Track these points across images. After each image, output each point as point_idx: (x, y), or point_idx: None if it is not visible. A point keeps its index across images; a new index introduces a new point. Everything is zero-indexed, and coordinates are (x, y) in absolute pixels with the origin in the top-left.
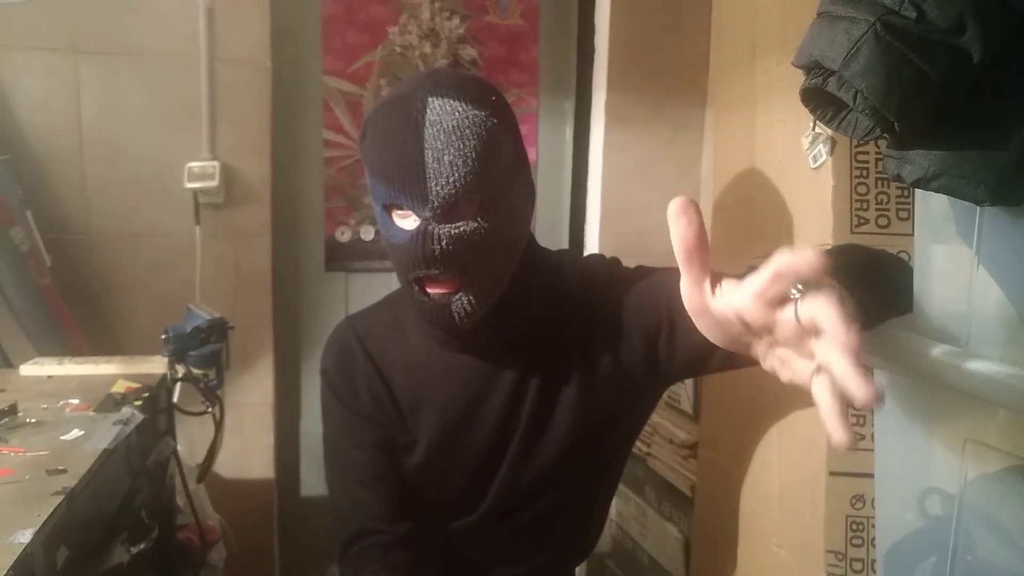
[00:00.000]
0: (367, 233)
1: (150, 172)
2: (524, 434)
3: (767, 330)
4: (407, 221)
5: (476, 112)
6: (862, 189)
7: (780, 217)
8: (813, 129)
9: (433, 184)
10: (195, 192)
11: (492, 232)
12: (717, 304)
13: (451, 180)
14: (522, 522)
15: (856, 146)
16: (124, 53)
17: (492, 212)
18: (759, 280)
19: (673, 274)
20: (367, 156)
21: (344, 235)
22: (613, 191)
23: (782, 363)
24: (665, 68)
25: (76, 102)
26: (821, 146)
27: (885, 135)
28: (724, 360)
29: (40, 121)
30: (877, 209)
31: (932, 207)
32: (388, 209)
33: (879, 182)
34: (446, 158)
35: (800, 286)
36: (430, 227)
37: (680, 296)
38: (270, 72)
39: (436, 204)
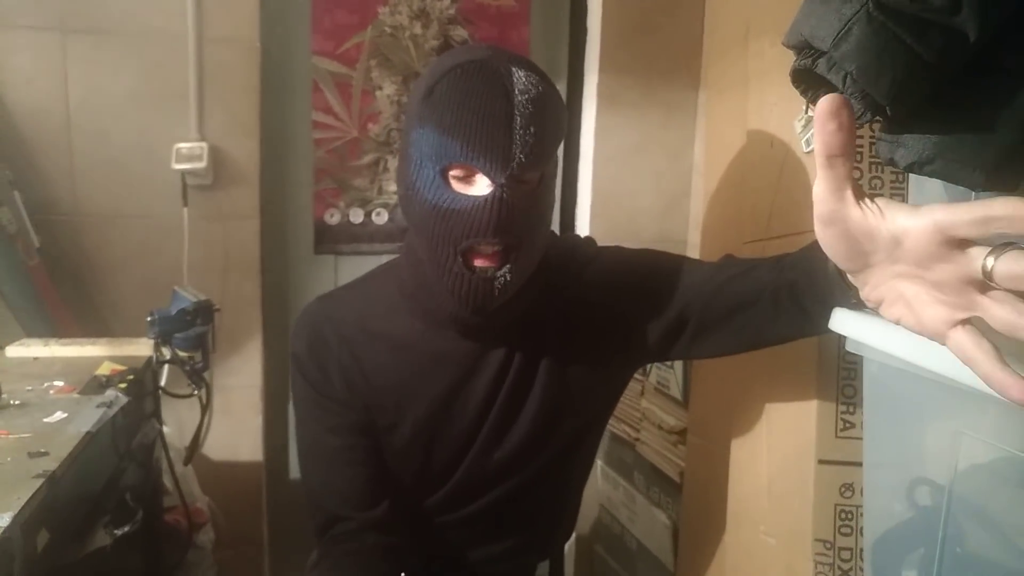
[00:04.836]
0: (356, 216)
1: (138, 153)
2: (500, 412)
3: (920, 263)
4: (473, 187)
5: (553, 90)
6: (855, 174)
7: (772, 201)
8: (806, 112)
9: (518, 151)
10: (183, 173)
11: (542, 211)
12: (864, 217)
13: (534, 150)
14: (494, 501)
15: (870, 124)
16: (111, 32)
17: (545, 190)
18: (956, 214)
19: (683, 266)
20: (435, 113)
21: (333, 217)
22: (605, 174)
23: (901, 301)
24: (658, 50)
25: (63, 82)
26: (814, 129)
27: (878, 118)
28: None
29: (27, 101)
30: (871, 194)
31: (926, 192)
32: (447, 171)
33: (873, 166)
34: (532, 127)
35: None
36: (504, 194)
37: (707, 295)
38: (259, 52)
39: (515, 171)
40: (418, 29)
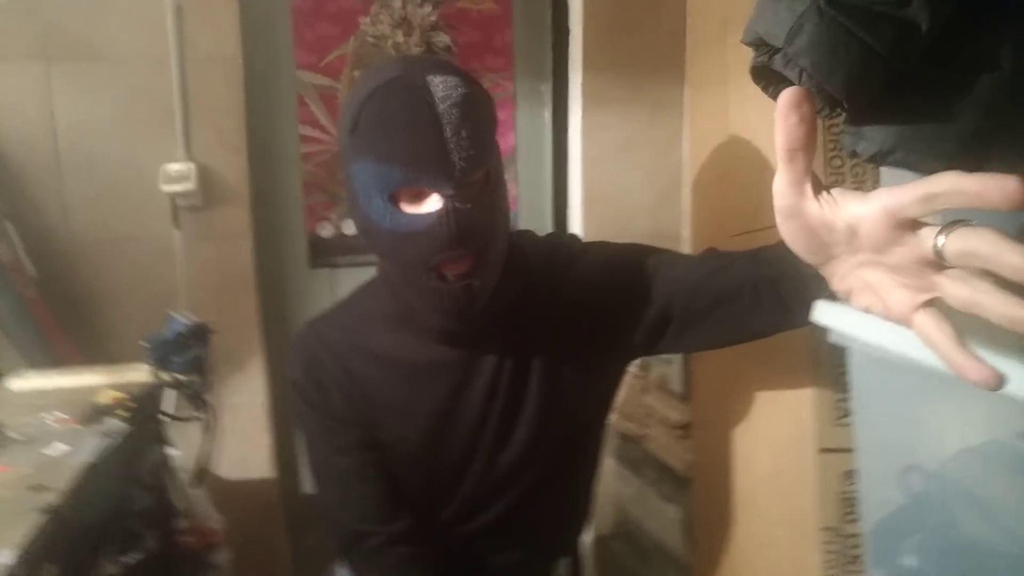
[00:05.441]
0: (349, 227)
1: (127, 177)
2: (499, 417)
3: (877, 249)
4: (423, 205)
5: (474, 86)
6: (836, 162)
7: (758, 194)
8: None
9: (456, 158)
10: (173, 195)
11: (497, 206)
12: (820, 210)
13: (471, 153)
14: (506, 507)
15: (829, 118)
16: (94, 58)
17: (494, 186)
18: (901, 196)
19: (665, 261)
20: (367, 145)
21: (326, 230)
22: (594, 173)
23: (868, 289)
24: (642, 47)
25: (49, 110)
26: (776, 123)
27: (838, 110)
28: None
29: (14, 131)
30: (853, 182)
31: (897, 181)
32: (395, 197)
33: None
34: (463, 131)
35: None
36: (456, 204)
37: (689, 290)
38: (242, 69)
39: (460, 179)
40: (400, 37)
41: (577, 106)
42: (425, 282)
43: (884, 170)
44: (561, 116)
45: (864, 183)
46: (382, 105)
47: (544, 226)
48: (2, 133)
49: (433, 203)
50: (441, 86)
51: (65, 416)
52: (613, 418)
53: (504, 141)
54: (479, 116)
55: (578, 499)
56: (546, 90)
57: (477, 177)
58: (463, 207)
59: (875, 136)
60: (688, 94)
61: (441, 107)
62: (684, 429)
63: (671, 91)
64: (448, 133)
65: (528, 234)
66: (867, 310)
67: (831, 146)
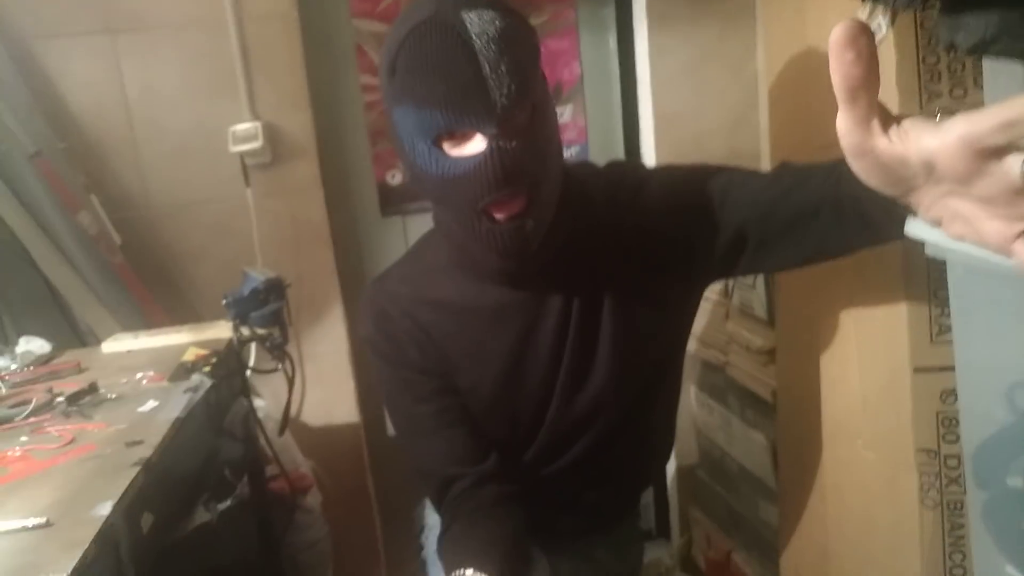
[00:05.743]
0: None
1: (198, 140)
2: (573, 355)
3: (959, 181)
4: (468, 146)
5: (511, 18)
6: (931, 59)
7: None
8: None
9: (497, 95)
10: (242, 155)
11: (546, 142)
12: (891, 146)
13: (512, 87)
14: (590, 444)
15: (923, 11)
16: (156, 27)
17: (542, 121)
18: (977, 125)
19: (737, 179)
20: (406, 90)
21: (395, 178)
22: (665, 96)
23: (959, 218)
24: None
25: (120, 82)
26: (880, 19)
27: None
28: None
29: (89, 105)
30: (951, 80)
31: (1000, 75)
32: (439, 141)
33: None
34: (502, 67)
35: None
36: (500, 143)
37: (765, 210)
38: (299, 24)
39: (503, 117)
40: None
41: (642, 28)
42: (477, 225)
43: (985, 65)
44: (627, 40)
45: (963, 78)
46: (417, 47)
47: (616, 155)
48: (78, 108)
49: (478, 144)
50: (476, 21)
51: (155, 374)
52: (694, 346)
53: (570, 70)
54: (519, 49)
55: (659, 432)
56: (609, 14)
57: (521, 113)
58: (508, 145)
59: (976, 24)
60: (760, 4)
61: (477, 43)
62: (768, 354)
63: (741, 2)
64: (487, 70)
65: (586, 165)
66: (961, 238)
67: (925, 41)
